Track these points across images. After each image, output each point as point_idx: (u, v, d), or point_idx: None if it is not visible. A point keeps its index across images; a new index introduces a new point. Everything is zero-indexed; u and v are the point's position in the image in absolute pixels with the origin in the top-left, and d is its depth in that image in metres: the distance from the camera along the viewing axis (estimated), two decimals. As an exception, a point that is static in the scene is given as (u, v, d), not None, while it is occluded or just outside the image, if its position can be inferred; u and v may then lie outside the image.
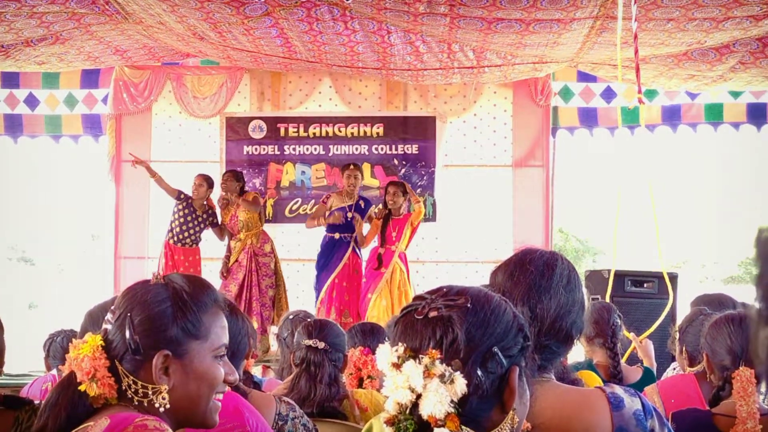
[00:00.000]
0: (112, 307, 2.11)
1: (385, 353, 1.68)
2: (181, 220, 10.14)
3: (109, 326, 2.08)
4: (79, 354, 2.03)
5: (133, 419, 1.93)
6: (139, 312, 2.07)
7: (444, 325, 1.68)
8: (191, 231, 10.16)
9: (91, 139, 11.53)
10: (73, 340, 2.09)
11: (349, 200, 10.00)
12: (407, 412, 1.64)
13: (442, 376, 1.61)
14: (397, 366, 1.65)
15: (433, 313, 1.70)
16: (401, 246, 9.93)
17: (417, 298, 1.78)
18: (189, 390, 2.08)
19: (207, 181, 10.20)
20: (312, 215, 10.25)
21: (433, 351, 1.63)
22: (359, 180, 10.06)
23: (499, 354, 1.70)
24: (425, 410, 1.61)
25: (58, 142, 11.62)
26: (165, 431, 1.95)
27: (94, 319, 2.64)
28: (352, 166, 10.07)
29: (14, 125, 11.34)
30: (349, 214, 9.93)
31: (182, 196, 10.16)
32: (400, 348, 1.67)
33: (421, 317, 1.70)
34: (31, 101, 11.27)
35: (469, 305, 1.71)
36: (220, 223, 10.27)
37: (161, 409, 2.03)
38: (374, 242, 10.11)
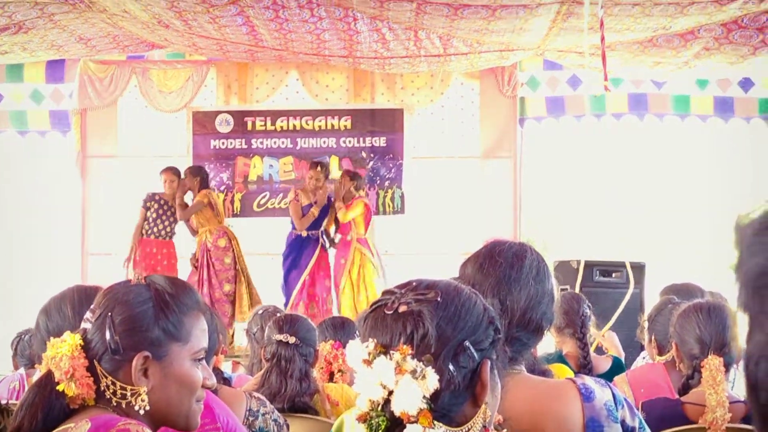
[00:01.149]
0: (92, 306, 2.09)
1: (356, 349, 1.66)
2: (155, 216, 10.10)
3: (88, 325, 2.06)
4: (58, 353, 2.00)
5: (114, 423, 1.91)
6: (120, 312, 2.05)
7: (414, 319, 1.66)
8: (165, 223, 10.12)
9: (59, 134, 11.42)
10: (51, 339, 2.06)
11: (315, 197, 10.02)
12: (379, 408, 1.63)
13: (413, 372, 1.60)
14: (368, 362, 1.63)
15: (402, 308, 1.68)
16: (356, 233, 9.96)
17: (386, 292, 1.76)
18: (168, 393, 2.06)
19: (177, 175, 10.16)
20: (298, 218, 10.16)
21: (404, 347, 1.62)
22: (322, 181, 10.06)
23: (471, 348, 1.68)
24: (397, 407, 1.59)
25: (24, 137, 11.50)
26: None
27: (47, 313, 2.62)
28: (318, 168, 10.08)
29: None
30: (315, 212, 9.95)
31: (148, 204, 10.13)
32: (371, 344, 1.65)
33: (390, 312, 1.69)
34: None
35: (439, 299, 1.69)
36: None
37: (140, 411, 2.02)
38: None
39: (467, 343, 1.68)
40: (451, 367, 1.66)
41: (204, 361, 2.16)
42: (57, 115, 11.31)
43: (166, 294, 2.10)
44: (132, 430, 1.91)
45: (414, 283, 1.75)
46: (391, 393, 1.61)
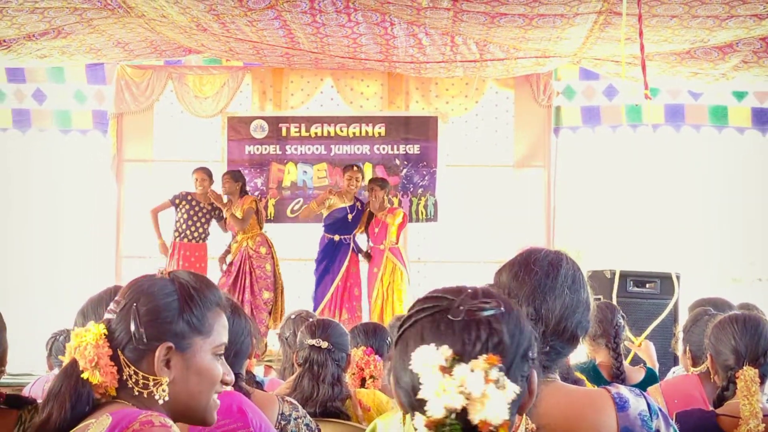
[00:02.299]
0: (116, 297, 2.11)
1: (430, 355, 1.63)
2: (185, 216, 10.12)
3: (112, 316, 2.08)
4: (82, 342, 2.03)
5: (136, 416, 1.92)
6: (145, 302, 2.07)
7: (488, 328, 1.65)
8: (197, 225, 10.14)
9: (100, 134, 11.55)
10: (75, 329, 2.09)
11: (349, 201, 10.02)
12: (453, 416, 1.60)
13: (496, 382, 1.59)
14: (446, 369, 1.61)
15: (471, 315, 1.66)
16: (389, 242, 9.94)
17: (437, 298, 1.72)
18: (189, 385, 2.08)
19: (209, 175, 10.21)
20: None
21: (492, 356, 1.60)
22: (360, 182, 10.08)
23: (531, 358, 1.69)
24: (479, 416, 1.57)
25: (67, 136, 11.65)
26: (170, 427, 1.95)
27: (84, 315, 2.64)
28: (354, 168, 10.09)
29: (23, 120, 11.38)
30: (350, 216, 9.95)
31: (177, 201, 10.15)
32: (446, 350, 1.62)
33: (458, 318, 1.66)
34: (39, 96, 11.30)
35: (503, 308, 1.69)
36: (224, 215, 10.26)
37: (160, 401, 2.04)
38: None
39: (531, 353, 1.69)
40: (519, 376, 1.66)
41: (223, 358, 2.17)
42: (99, 115, 11.46)
43: (191, 288, 2.13)
44: (155, 422, 1.92)
45: (469, 290, 1.73)
46: (468, 401, 1.59)
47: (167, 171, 11.05)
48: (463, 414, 1.59)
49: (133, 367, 2.04)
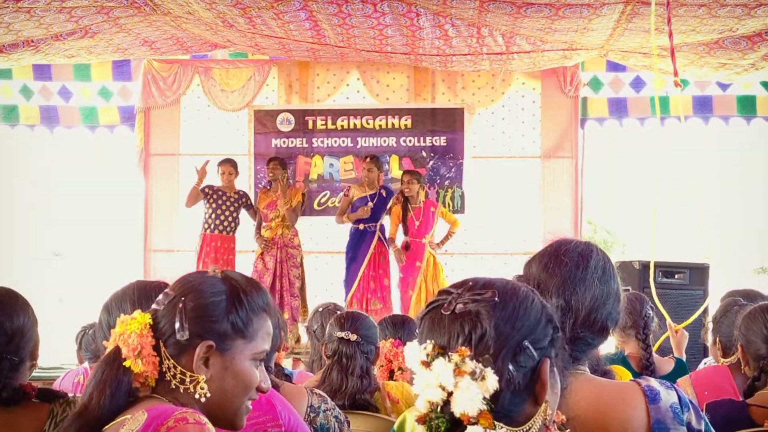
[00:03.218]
0: (166, 290, 2.12)
1: (414, 351, 1.66)
2: (214, 206, 10.11)
3: (160, 307, 2.08)
4: (127, 329, 2.04)
5: (172, 412, 1.93)
6: (193, 298, 2.07)
7: (472, 320, 1.65)
8: (226, 214, 10.12)
9: (128, 129, 11.61)
10: (122, 315, 2.09)
11: (370, 190, 10.02)
12: (438, 410, 1.62)
13: (473, 373, 1.58)
14: (427, 364, 1.62)
15: (459, 308, 1.67)
16: (430, 237, 9.96)
17: (442, 292, 1.75)
18: (225, 386, 2.08)
19: (235, 168, 10.24)
20: (338, 211, 10.24)
21: (463, 348, 1.61)
22: (374, 173, 10.04)
23: (530, 347, 1.67)
24: (457, 408, 1.58)
25: (95, 133, 11.72)
26: (204, 424, 1.95)
27: (108, 309, 2.65)
28: (368, 159, 10.08)
29: (50, 116, 11.46)
30: (370, 204, 9.94)
31: (208, 191, 10.15)
32: (429, 345, 1.64)
33: (447, 313, 1.68)
34: (65, 93, 11.39)
35: (496, 299, 1.68)
36: (254, 205, 10.29)
37: (202, 399, 2.04)
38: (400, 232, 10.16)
39: (526, 343, 1.67)
40: (510, 367, 1.64)
41: (262, 366, 2.17)
42: (126, 111, 11.51)
43: (241, 290, 2.12)
44: (189, 419, 1.92)
45: (470, 283, 1.74)
46: (450, 394, 1.60)
47: (194, 165, 11.09)
48: (447, 408, 1.60)
49: (172, 361, 2.04)
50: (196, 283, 2.11)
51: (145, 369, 2.02)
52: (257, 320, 2.13)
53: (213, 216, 10.12)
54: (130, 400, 2.04)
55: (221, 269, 2.18)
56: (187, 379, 2.04)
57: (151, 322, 2.07)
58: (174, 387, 2.05)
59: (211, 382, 2.06)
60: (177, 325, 2.04)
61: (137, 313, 2.08)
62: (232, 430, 2.14)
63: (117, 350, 2.05)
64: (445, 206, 10.81)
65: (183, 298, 2.07)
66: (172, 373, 2.04)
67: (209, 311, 2.07)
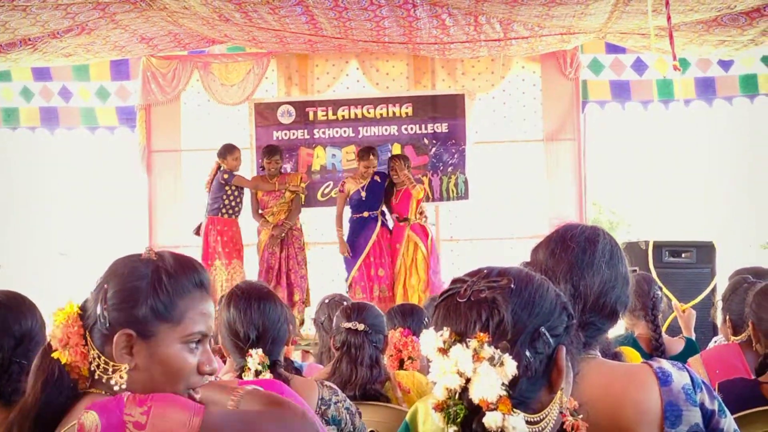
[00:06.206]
0: (99, 276, 2.08)
1: (430, 338, 1.65)
2: (228, 191, 9.98)
3: (90, 296, 2.06)
4: (55, 321, 2.01)
5: (120, 407, 1.87)
6: (114, 285, 2.02)
7: (489, 307, 1.66)
8: (231, 197, 10.01)
9: (128, 130, 11.59)
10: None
11: (364, 180, 9.98)
12: (456, 396, 1.61)
13: (491, 359, 1.59)
14: (444, 351, 1.62)
15: (476, 296, 1.68)
16: (411, 219, 9.89)
17: (456, 281, 1.75)
18: (151, 374, 2.01)
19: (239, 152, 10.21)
20: (337, 212, 10.18)
21: (481, 334, 1.61)
22: (370, 170, 10.00)
23: (546, 334, 1.67)
24: (476, 394, 1.58)
25: (95, 134, 11.72)
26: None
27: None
28: (371, 156, 10.02)
29: (50, 118, 11.48)
30: (363, 194, 9.92)
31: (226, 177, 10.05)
32: (445, 332, 1.65)
33: (464, 300, 1.68)
34: (65, 94, 11.38)
35: (512, 286, 1.68)
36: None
37: (116, 388, 1.97)
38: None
39: (543, 329, 1.68)
40: (528, 353, 1.65)
41: (201, 345, 2.07)
42: (124, 112, 11.50)
43: (164, 272, 2.04)
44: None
45: (485, 271, 1.74)
46: (468, 381, 1.59)
47: (196, 160, 11.07)
48: (465, 395, 1.61)
49: (96, 351, 2.00)
50: (120, 268, 2.06)
51: (73, 359, 1.99)
52: (183, 302, 2.04)
53: (227, 200, 9.91)
54: (73, 395, 2.01)
55: (156, 250, 2.10)
56: (110, 369, 1.99)
57: (80, 312, 2.03)
58: (99, 377, 2.00)
59: (138, 371, 2.00)
60: (98, 313, 1.99)
61: (67, 303, 2.04)
62: None
63: (50, 343, 2.02)
64: (449, 193, 10.80)
65: (105, 286, 2.02)
66: (96, 363, 2.00)
67: (128, 297, 2.01)
